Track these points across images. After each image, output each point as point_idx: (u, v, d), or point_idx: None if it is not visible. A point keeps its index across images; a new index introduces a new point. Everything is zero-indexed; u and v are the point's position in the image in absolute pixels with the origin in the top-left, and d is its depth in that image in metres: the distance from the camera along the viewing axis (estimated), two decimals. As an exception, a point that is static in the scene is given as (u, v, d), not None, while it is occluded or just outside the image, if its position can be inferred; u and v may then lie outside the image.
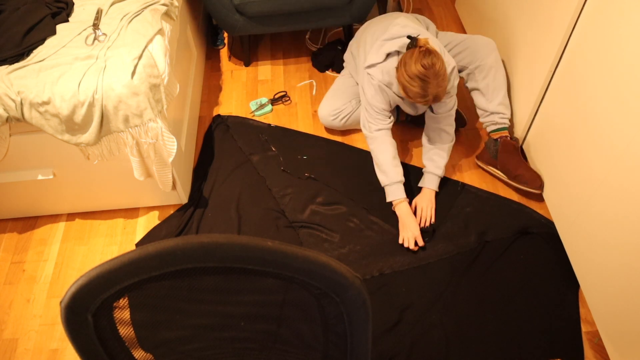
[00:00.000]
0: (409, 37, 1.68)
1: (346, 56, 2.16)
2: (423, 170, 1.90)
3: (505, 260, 1.73)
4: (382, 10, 2.56)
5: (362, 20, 2.28)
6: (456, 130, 2.02)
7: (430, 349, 1.55)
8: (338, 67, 2.39)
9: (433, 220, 1.84)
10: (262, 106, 2.26)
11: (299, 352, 0.82)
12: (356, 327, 0.72)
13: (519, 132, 1.93)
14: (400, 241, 1.79)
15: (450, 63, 1.72)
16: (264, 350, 0.82)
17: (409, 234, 1.77)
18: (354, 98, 2.08)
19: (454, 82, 1.78)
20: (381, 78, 1.76)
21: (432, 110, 1.84)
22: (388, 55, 1.75)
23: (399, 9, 2.70)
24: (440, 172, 1.87)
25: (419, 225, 1.81)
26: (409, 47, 1.65)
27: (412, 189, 1.94)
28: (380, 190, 1.94)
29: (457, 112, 2.07)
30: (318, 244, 1.81)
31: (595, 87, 1.43)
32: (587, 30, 1.46)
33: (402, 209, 1.81)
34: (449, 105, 1.82)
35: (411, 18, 1.93)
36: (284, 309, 0.74)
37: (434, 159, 1.87)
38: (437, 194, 1.89)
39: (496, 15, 2.04)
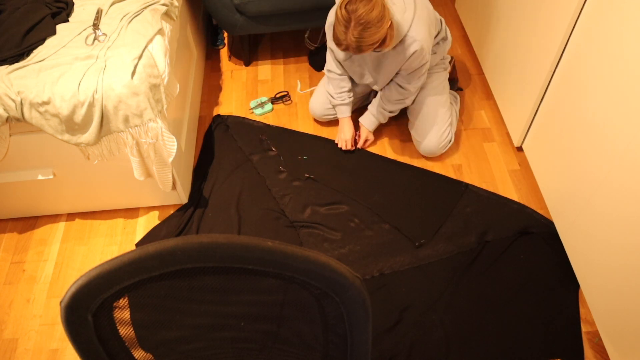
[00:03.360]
0: None
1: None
2: (369, 107, 2.06)
3: (505, 260, 1.73)
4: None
5: (362, 20, 2.28)
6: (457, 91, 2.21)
7: (430, 349, 1.55)
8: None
9: (361, 145, 2.09)
10: (262, 105, 2.26)
11: (299, 352, 0.82)
12: (356, 327, 0.72)
13: (518, 133, 1.93)
14: (336, 141, 2.09)
15: (416, 38, 1.65)
16: (264, 350, 0.82)
17: (343, 137, 2.06)
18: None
19: (418, 57, 1.71)
20: (330, 17, 1.76)
21: (400, 86, 1.89)
22: None
23: (399, 8, 2.69)
24: (382, 117, 2.04)
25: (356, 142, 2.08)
26: None
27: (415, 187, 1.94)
28: (381, 191, 1.94)
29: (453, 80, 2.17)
30: (318, 244, 1.81)
31: (595, 87, 1.43)
32: (587, 30, 1.46)
33: (344, 121, 2.07)
34: (411, 81, 1.84)
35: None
36: (284, 309, 0.74)
37: (378, 103, 2.00)
38: (439, 193, 1.89)
39: (496, 15, 2.04)
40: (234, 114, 2.26)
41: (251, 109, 2.26)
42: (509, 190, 1.94)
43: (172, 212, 1.93)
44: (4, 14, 1.66)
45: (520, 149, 2.06)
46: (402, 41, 1.69)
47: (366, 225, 1.85)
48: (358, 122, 2.10)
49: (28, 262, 1.83)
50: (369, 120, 2.05)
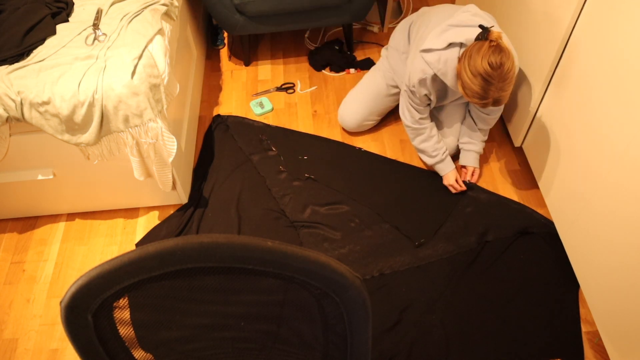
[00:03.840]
0: (480, 26, 1.48)
1: (385, 51, 2.02)
2: (461, 147, 1.95)
3: (505, 260, 1.73)
4: (382, 10, 2.56)
5: (362, 19, 2.28)
6: None
7: (430, 349, 1.55)
8: (335, 67, 2.39)
9: (474, 180, 1.94)
10: (261, 105, 2.26)
11: (299, 352, 0.82)
12: (356, 327, 0.72)
13: (518, 133, 1.93)
14: (446, 184, 1.91)
15: (517, 65, 1.55)
16: (264, 350, 0.82)
17: (447, 183, 1.90)
18: (380, 114, 2.05)
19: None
20: (437, 67, 1.59)
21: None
22: (450, 44, 1.57)
23: (399, 9, 2.70)
24: (479, 148, 1.92)
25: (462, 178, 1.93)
26: (478, 38, 1.46)
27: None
28: (381, 191, 1.94)
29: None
30: (318, 244, 1.81)
31: (595, 87, 1.43)
32: (587, 30, 1.46)
33: (449, 174, 1.91)
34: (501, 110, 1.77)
35: (479, 12, 1.68)
36: (284, 309, 0.74)
37: (473, 139, 1.90)
38: (439, 193, 1.89)
39: (496, 15, 2.04)
40: (234, 114, 2.26)
41: (254, 103, 2.26)
42: (509, 190, 1.94)
43: (172, 212, 1.93)
44: (4, 14, 1.66)
45: (520, 149, 2.06)
46: None
47: (366, 225, 1.85)
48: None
49: (28, 262, 1.83)
50: (472, 158, 1.93)
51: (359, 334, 0.73)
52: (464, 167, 1.96)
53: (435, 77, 1.65)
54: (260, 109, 2.25)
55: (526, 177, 1.98)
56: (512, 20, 1.90)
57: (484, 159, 2.04)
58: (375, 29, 2.57)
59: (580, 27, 1.49)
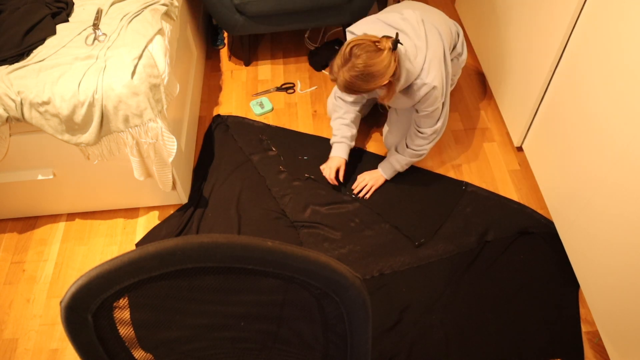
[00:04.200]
0: (396, 36, 1.54)
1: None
2: (387, 155, 1.96)
3: (505, 260, 1.73)
4: (382, 9, 2.56)
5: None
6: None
7: (430, 349, 1.55)
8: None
9: (366, 196, 1.93)
10: (261, 105, 2.26)
11: (299, 352, 0.82)
12: (356, 327, 0.72)
13: (518, 133, 1.93)
14: (321, 167, 1.95)
15: (426, 82, 1.60)
16: (264, 350, 0.82)
17: (329, 164, 1.92)
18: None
19: (429, 99, 1.65)
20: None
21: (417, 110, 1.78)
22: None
23: (399, 8, 2.69)
24: (399, 167, 1.92)
25: (353, 189, 1.94)
26: (385, 36, 1.54)
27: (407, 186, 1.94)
28: (381, 190, 1.94)
29: None
30: (318, 244, 1.81)
31: (595, 86, 1.43)
32: (587, 30, 1.46)
33: (336, 158, 1.92)
34: (423, 114, 1.72)
35: (439, 19, 1.72)
36: (284, 309, 0.74)
37: (399, 152, 1.90)
38: (439, 193, 1.89)
39: (496, 15, 2.04)
40: (234, 114, 2.26)
41: (259, 101, 2.27)
42: (509, 190, 1.94)
43: (172, 212, 1.93)
44: (4, 14, 1.66)
45: (520, 149, 2.06)
46: (411, 85, 1.64)
47: (366, 225, 1.85)
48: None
49: (28, 262, 1.83)
50: (384, 166, 1.95)
51: (359, 334, 0.73)
52: (368, 176, 1.95)
53: None
54: (260, 109, 2.25)
55: (526, 177, 1.98)
56: (512, 20, 1.90)
57: (483, 158, 2.04)
58: (375, 29, 2.57)
59: (580, 27, 1.49)
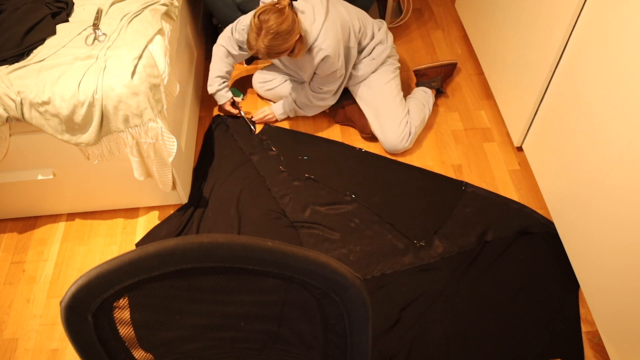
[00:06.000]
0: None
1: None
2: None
3: (505, 260, 1.73)
4: (382, 9, 2.56)
5: (362, 20, 2.28)
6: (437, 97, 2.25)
7: (431, 349, 1.55)
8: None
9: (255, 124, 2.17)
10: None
11: (299, 352, 0.82)
12: (356, 327, 0.72)
13: (518, 133, 1.93)
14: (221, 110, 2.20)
15: (322, 47, 1.79)
16: (264, 350, 0.82)
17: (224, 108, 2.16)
18: (406, 108, 2.07)
19: (325, 65, 1.85)
20: (245, 21, 1.93)
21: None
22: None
23: (399, 9, 2.70)
24: (291, 107, 2.12)
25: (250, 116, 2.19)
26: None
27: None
28: (381, 191, 1.94)
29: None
30: (318, 244, 1.81)
31: (595, 86, 1.43)
32: (587, 30, 1.46)
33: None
34: (321, 83, 1.96)
35: (349, 7, 1.96)
36: (284, 309, 0.74)
37: (290, 102, 2.12)
38: (439, 193, 1.89)
39: (496, 15, 2.04)
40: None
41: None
42: (509, 190, 1.94)
43: (172, 212, 1.93)
44: (4, 14, 1.66)
45: (520, 149, 2.06)
46: (310, 49, 1.83)
47: (366, 225, 1.85)
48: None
49: (28, 262, 1.83)
50: (279, 107, 2.16)
51: (359, 333, 0.73)
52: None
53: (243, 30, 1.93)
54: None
55: (526, 177, 1.98)
56: (512, 20, 1.90)
57: (483, 158, 2.04)
58: (375, 29, 2.58)
59: (580, 27, 1.49)
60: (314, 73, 1.96)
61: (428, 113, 2.11)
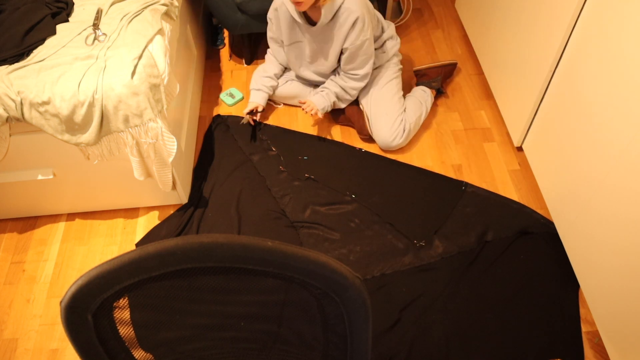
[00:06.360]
0: None
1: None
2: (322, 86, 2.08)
3: (505, 260, 1.73)
4: (382, 10, 2.56)
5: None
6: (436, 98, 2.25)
7: (431, 349, 1.55)
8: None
9: (314, 111, 2.01)
10: (231, 95, 2.29)
11: (299, 352, 0.82)
12: (356, 327, 0.72)
13: (518, 133, 1.93)
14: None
15: (352, 9, 1.79)
16: (264, 350, 0.82)
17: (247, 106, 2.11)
18: (403, 104, 2.08)
19: (355, 29, 1.83)
20: (274, 4, 1.95)
21: (339, 64, 1.99)
22: None
23: (399, 9, 2.70)
24: (331, 100, 2.04)
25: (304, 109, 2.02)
26: None
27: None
28: (381, 191, 1.94)
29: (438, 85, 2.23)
30: (318, 244, 1.81)
31: (595, 86, 1.43)
32: (587, 30, 1.46)
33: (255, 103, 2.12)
34: (354, 62, 1.94)
35: None
36: (284, 309, 0.74)
37: (331, 86, 2.05)
38: (439, 193, 1.89)
39: (496, 15, 2.04)
40: (234, 114, 2.26)
41: (229, 92, 2.32)
42: (509, 190, 1.94)
43: (172, 212, 1.93)
44: (4, 14, 1.66)
45: (520, 149, 2.06)
46: (336, 15, 1.82)
47: (366, 225, 1.85)
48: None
49: (28, 262, 1.83)
50: (321, 101, 2.05)
51: (359, 334, 0.73)
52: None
53: (282, 7, 1.92)
54: (232, 99, 2.28)
55: (526, 177, 1.98)
56: (512, 20, 1.90)
57: (483, 158, 2.04)
58: (375, 29, 2.58)
59: (580, 27, 1.49)
60: (340, 52, 1.93)
61: (425, 112, 2.12)
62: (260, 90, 2.12)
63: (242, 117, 2.14)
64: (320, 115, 2.01)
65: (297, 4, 1.74)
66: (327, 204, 1.91)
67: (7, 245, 1.88)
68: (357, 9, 1.79)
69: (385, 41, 2.06)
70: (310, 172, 2.01)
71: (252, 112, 2.10)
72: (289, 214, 1.89)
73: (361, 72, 1.98)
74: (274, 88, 2.15)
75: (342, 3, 1.79)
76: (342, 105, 2.10)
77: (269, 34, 2.09)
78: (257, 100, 2.10)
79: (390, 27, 2.09)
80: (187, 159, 2.00)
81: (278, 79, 2.17)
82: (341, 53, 1.95)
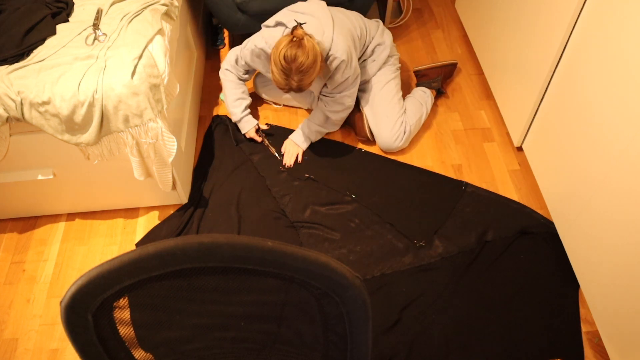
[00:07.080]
0: (295, 20, 1.70)
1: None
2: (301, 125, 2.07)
3: (505, 260, 1.73)
4: (382, 10, 2.56)
5: (362, 20, 2.28)
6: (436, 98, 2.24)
7: (430, 349, 1.55)
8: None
9: (291, 165, 2.03)
10: None
11: (299, 352, 0.82)
12: (356, 327, 0.72)
13: (518, 133, 1.93)
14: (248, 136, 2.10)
15: (336, 55, 1.74)
16: (264, 350, 0.82)
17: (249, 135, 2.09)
18: (403, 105, 2.06)
19: (339, 71, 1.78)
20: (259, 43, 1.84)
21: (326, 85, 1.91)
22: (278, 24, 1.81)
23: (399, 9, 2.70)
24: (313, 137, 2.05)
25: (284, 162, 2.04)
26: (292, 31, 1.66)
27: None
28: (381, 191, 1.94)
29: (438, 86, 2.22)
30: (318, 244, 1.81)
31: (594, 86, 1.43)
32: (587, 30, 1.46)
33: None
34: (338, 94, 1.89)
35: (350, 15, 1.92)
36: (284, 309, 0.74)
37: (310, 124, 2.04)
38: (439, 193, 1.89)
39: (496, 15, 2.04)
40: (234, 114, 2.25)
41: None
42: (509, 190, 1.94)
43: (172, 212, 1.93)
44: (4, 14, 1.66)
45: (520, 149, 2.06)
46: (324, 60, 1.77)
47: (366, 225, 1.85)
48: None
49: (28, 262, 1.83)
50: (299, 137, 2.05)
51: (359, 334, 0.73)
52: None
53: (255, 52, 1.87)
54: None
55: (526, 177, 1.98)
56: (512, 20, 1.90)
57: (483, 158, 2.04)
58: (375, 29, 2.58)
59: (580, 27, 1.49)
60: (324, 85, 1.89)
61: (425, 113, 2.11)
62: (244, 117, 2.05)
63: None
64: (304, 148, 2.06)
65: (298, 90, 1.72)
66: (327, 204, 1.91)
67: (7, 245, 1.88)
68: (342, 54, 1.74)
69: (373, 49, 2.01)
70: (310, 172, 2.01)
71: (258, 132, 2.08)
72: (289, 214, 1.89)
73: (345, 92, 1.90)
74: (247, 92, 2.07)
75: (329, 50, 1.74)
76: (333, 129, 2.08)
77: (241, 63, 1.98)
78: (249, 126, 2.07)
79: (377, 32, 2.02)
80: (187, 159, 2.00)
81: (244, 80, 2.08)
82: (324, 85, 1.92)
